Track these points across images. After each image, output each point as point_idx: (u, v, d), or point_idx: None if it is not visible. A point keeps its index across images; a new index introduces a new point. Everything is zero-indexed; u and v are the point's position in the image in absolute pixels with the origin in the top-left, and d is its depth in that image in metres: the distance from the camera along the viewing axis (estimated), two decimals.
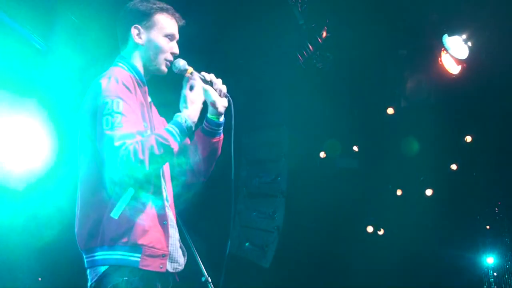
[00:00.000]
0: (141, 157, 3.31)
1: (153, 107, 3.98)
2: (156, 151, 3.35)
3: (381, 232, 9.25)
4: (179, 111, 3.59)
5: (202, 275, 4.00)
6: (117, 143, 3.34)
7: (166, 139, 3.40)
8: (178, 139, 3.47)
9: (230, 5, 6.98)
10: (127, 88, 3.55)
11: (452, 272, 8.55)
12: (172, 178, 3.95)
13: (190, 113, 3.58)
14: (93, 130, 3.48)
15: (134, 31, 3.80)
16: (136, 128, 3.44)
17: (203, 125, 3.90)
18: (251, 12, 7.20)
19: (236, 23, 7.30)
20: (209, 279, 3.96)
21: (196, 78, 3.77)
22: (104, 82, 3.55)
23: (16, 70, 5.82)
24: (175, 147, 3.45)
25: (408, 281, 8.53)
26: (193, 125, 3.58)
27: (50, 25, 5.92)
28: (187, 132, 3.54)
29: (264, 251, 8.64)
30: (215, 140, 3.91)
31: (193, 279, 3.98)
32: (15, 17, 5.69)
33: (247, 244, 8.77)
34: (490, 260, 8.61)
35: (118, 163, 3.33)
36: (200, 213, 6.95)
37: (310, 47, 7.59)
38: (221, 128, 3.91)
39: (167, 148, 3.39)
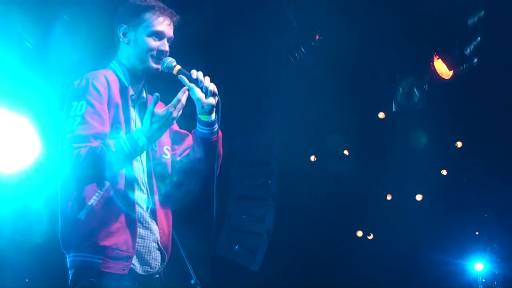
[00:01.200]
0: (79, 162, 3.32)
1: (156, 106, 3.96)
2: (96, 161, 3.34)
3: (370, 237, 9.23)
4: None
5: (191, 277, 3.98)
6: (64, 146, 3.39)
7: (110, 150, 3.37)
8: (125, 153, 3.41)
9: (223, 7, 6.97)
10: (96, 89, 3.55)
11: (441, 278, 8.53)
12: (166, 177, 3.90)
13: (148, 131, 3.45)
14: None
15: (120, 31, 3.79)
16: (95, 130, 3.45)
17: (196, 126, 3.86)
18: (243, 14, 7.19)
19: (229, 25, 7.28)
20: (198, 282, 3.94)
21: (183, 76, 3.74)
22: (76, 83, 3.61)
23: (6, 68, 5.78)
24: (118, 161, 3.41)
25: (397, 286, 8.52)
26: (146, 145, 3.46)
27: (41, 23, 5.89)
28: (138, 149, 3.45)
29: (253, 254, 8.60)
30: (210, 139, 3.85)
31: (182, 282, 3.96)
32: (6, 15, 5.66)
33: (236, 247, 8.74)
34: (479, 266, 8.60)
35: (60, 165, 3.40)
36: (192, 215, 6.92)
37: (303, 50, 7.58)
38: (214, 126, 3.84)
39: (108, 159, 3.36)
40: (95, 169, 3.34)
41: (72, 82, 3.61)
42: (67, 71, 5.72)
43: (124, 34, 3.78)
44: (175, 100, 3.49)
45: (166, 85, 3.78)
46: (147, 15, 3.77)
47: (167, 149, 3.91)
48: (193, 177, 3.97)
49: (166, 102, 3.51)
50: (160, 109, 3.45)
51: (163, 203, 3.83)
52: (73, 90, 3.57)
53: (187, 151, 3.95)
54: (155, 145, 3.83)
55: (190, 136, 3.99)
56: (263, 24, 7.28)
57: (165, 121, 3.45)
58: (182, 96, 3.53)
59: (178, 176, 3.95)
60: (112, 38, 3.90)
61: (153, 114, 3.42)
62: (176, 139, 4.00)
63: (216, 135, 3.86)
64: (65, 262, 3.62)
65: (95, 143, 3.40)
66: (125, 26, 3.78)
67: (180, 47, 4.00)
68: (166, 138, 3.93)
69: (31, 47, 5.93)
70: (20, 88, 5.87)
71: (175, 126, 4.03)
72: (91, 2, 5.81)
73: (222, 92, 3.80)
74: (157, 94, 3.43)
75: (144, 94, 3.92)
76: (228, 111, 3.82)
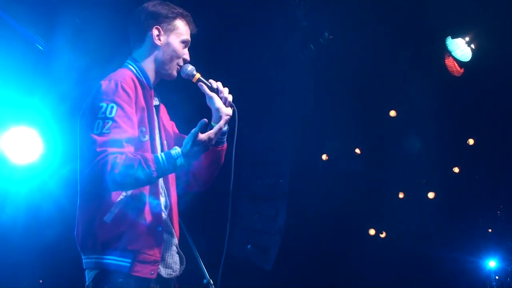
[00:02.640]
0: (116, 171, 3.30)
1: (162, 111, 3.97)
2: (133, 173, 3.33)
3: (383, 235, 9.23)
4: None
5: (204, 277, 3.98)
6: (99, 149, 3.34)
7: (149, 166, 3.37)
8: (162, 171, 3.43)
9: (233, 7, 6.98)
10: (126, 92, 3.52)
11: (454, 276, 8.54)
12: (175, 179, 3.93)
13: (188, 153, 3.48)
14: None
15: (155, 32, 3.78)
16: (127, 134, 3.43)
17: None
18: (253, 14, 7.20)
19: (239, 25, 7.29)
20: (211, 282, 3.95)
21: (203, 85, 3.79)
22: (104, 84, 3.54)
23: (17, 71, 5.82)
24: (154, 177, 3.42)
25: (410, 284, 8.52)
26: (183, 166, 3.49)
27: (53, 26, 5.92)
28: (175, 169, 3.48)
29: (266, 253, 8.61)
30: (218, 149, 3.88)
31: (195, 282, 3.97)
32: (17, 17, 5.69)
33: (249, 246, 8.75)
34: (492, 263, 8.59)
35: (93, 168, 3.33)
36: (204, 215, 6.95)
37: (312, 48, 7.58)
38: (225, 137, 3.90)
39: (145, 174, 3.36)
40: (130, 180, 3.34)
41: (99, 83, 3.56)
42: (78, 74, 5.75)
43: (158, 36, 3.80)
44: (217, 127, 3.57)
45: (174, 88, 3.79)
46: (180, 23, 3.83)
47: None
48: (192, 182, 3.98)
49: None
50: (203, 134, 3.48)
51: (175, 206, 3.86)
52: (101, 91, 3.51)
53: None
54: (167, 148, 3.84)
55: None
56: (273, 23, 7.28)
57: (204, 146, 3.51)
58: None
59: (184, 182, 3.98)
60: (126, 38, 3.90)
61: (196, 138, 3.45)
62: (178, 144, 4.02)
63: (224, 145, 3.92)
64: (80, 263, 3.61)
65: (127, 149, 3.40)
66: (160, 28, 3.79)
67: (191, 47, 4.02)
68: (171, 142, 3.94)
69: (43, 49, 5.96)
70: (31, 90, 5.91)
71: (176, 131, 4.07)
72: (103, 5, 5.83)
73: (233, 92, 3.84)
74: (205, 120, 3.48)
75: (157, 97, 3.93)
76: (239, 111, 3.84)
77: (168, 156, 3.44)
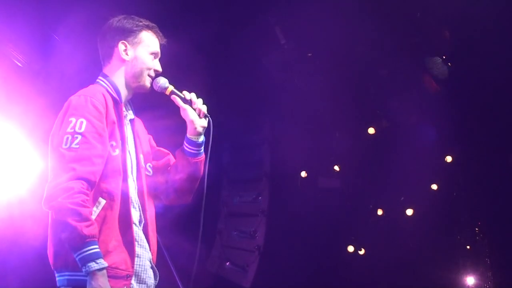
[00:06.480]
0: (67, 205, 3.24)
1: (139, 124, 3.97)
2: (65, 224, 3.25)
3: (362, 252, 9.23)
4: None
5: None
6: (67, 165, 3.32)
7: (80, 236, 3.24)
8: (77, 251, 3.27)
9: (212, 25, 6.99)
10: (96, 107, 3.51)
11: None
12: (155, 197, 3.92)
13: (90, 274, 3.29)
14: None
15: (121, 47, 3.77)
16: (96, 150, 3.41)
17: (183, 145, 3.88)
18: (232, 33, 7.22)
19: (217, 44, 7.31)
20: None
21: (176, 97, 3.79)
22: (73, 100, 3.54)
23: None
24: (68, 243, 3.30)
25: None
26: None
27: (32, 42, 5.91)
28: (82, 264, 3.29)
29: (244, 271, 8.59)
30: (195, 160, 3.86)
31: None
32: None
33: (227, 263, 8.73)
34: (470, 280, 8.62)
35: (58, 185, 3.30)
36: (182, 232, 6.92)
37: (292, 67, 7.62)
38: (201, 148, 3.87)
39: (67, 236, 3.26)
40: (62, 225, 3.27)
41: (68, 98, 3.56)
42: (57, 90, 5.73)
43: (125, 51, 3.80)
44: None
45: (146, 100, 3.80)
46: (146, 35, 3.82)
47: (150, 166, 3.92)
48: (172, 195, 3.96)
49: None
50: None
51: (151, 221, 3.83)
52: (71, 107, 3.51)
53: (167, 169, 3.97)
54: (142, 162, 3.84)
55: (170, 154, 4.02)
56: (252, 42, 7.31)
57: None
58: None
59: (166, 197, 3.97)
60: (96, 55, 3.91)
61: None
62: (157, 157, 4.02)
63: (201, 156, 3.89)
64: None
65: (97, 167, 3.38)
66: (126, 43, 3.79)
67: (171, 65, 4.02)
68: (149, 155, 3.94)
69: (21, 66, 5.95)
70: (10, 108, 5.88)
71: (154, 144, 4.06)
72: (81, 22, 5.82)
73: (212, 110, 3.83)
74: None
75: (131, 111, 3.93)
76: (219, 128, 3.85)
77: (93, 255, 3.29)
